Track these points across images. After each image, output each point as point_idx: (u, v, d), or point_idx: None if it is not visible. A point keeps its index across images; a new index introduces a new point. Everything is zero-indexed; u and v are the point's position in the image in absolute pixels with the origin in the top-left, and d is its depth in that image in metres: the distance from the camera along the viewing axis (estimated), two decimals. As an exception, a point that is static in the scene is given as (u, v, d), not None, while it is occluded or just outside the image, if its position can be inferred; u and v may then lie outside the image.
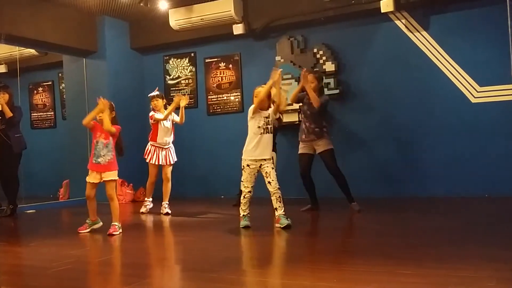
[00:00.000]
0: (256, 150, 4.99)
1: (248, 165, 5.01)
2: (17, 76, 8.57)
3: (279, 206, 4.92)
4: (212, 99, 8.40)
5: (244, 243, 4.59)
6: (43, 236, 5.29)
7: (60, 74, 9.67)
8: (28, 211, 7.31)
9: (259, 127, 5.00)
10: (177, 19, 7.77)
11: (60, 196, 8.63)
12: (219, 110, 8.33)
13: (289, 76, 7.40)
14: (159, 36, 8.44)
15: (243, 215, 5.04)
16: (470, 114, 6.63)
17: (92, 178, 5.03)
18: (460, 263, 3.25)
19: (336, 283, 2.95)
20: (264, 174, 5.00)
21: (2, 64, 8.99)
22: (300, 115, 6.44)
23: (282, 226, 4.82)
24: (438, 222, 5.01)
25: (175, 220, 6.00)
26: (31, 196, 8.19)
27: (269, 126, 5.04)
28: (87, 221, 5.17)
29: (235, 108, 8.20)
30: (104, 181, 5.01)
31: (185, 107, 6.51)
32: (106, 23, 8.34)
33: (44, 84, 10.17)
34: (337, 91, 7.18)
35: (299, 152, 6.06)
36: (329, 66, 7.23)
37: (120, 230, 5.02)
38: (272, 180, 4.93)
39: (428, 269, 3.10)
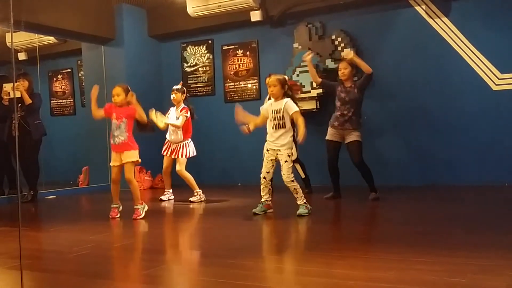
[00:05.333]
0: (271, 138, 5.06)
1: (267, 150, 5.07)
2: (37, 63, 8.66)
3: (296, 197, 4.96)
4: (230, 87, 8.40)
5: (261, 230, 4.61)
6: (63, 221, 5.38)
7: (79, 62, 9.75)
8: (48, 197, 7.42)
9: (270, 120, 5.02)
10: (194, 6, 7.75)
11: (80, 183, 8.73)
12: (237, 97, 8.32)
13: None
14: (177, 23, 8.44)
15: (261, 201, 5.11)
16: (491, 101, 6.53)
17: (113, 161, 5.11)
18: (478, 251, 3.23)
19: (352, 270, 2.95)
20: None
21: (22, 51, 9.08)
22: (335, 101, 6.06)
23: (296, 214, 4.86)
24: (456, 211, 4.97)
25: (193, 207, 6.04)
26: (51, 182, 8.31)
27: (280, 122, 4.94)
28: (114, 205, 5.22)
29: (252, 96, 8.19)
30: (123, 163, 5.06)
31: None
32: (124, 10, 8.36)
33: (64, 71, 10.26)
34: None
35: (327, 138, 6.00)
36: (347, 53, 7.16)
37: (145, 209, 5.15)
38: (283, 174, 4.92)
39: (446, 257, 3.08)
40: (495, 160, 6.49)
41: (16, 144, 6.48)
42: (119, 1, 8.28)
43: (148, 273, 3.10)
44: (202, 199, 6.34)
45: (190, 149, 6.42)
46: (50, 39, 8.88)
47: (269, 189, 5.10)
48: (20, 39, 8.75)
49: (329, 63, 7.25)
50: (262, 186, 5.08)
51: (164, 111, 6.70)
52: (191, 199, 6.32)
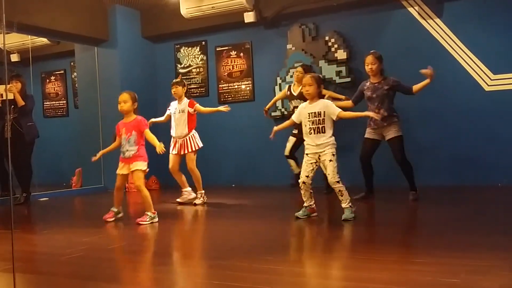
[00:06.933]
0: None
1: (307, 154, 4.74)
2: (30, 65, 8.62)
3: (341, 200, 4.62)
4: (223, 88, 8.39)
5: (256, 232, 4.59)
6: (56, 223, 5.35)
7: (72, 63, 9.71)
8: (41, 199, 7.38)
9: (305, 125, 4.71)
10: (188, 7, 7.74)
11: (73, 184, 8.70)
12: (230, 98, 8.31)
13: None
14: (170, 25, 8.43)
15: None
16: (483, 102, 6.56)
17: (121, 169, 5.04)
18: (472, 251, 3.24)
19: (347, 271, 2.95)
20: (322, 167, 4.70)
21: (15, 53, 9.04)
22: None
23: (342, 219, 4.56)
24: (450, 211, 4.98)
25: (187, 209, 6.02)
26: (44, 184, 8.27)
27: (320, 126, 4.58)
28: (113, 209, 5.13)
29: (246, 97, 8.18)
30: (131, 171, 4.99)
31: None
32: (117, 11, 8.34)
33: (56, 73, 10.22)
34: (348, 79, 7.14)
35: (365, 136, 5.79)
36: (341, 54, 7.18)
37: (155, 220, 4.96)
38: (328, 174, 4.58)
39: (440, 258, 3.09)
40: (488, 160, 6.52)
41: (8, 146, 6.43)
42: (113, 2, 8.25)
43: (142, 275, 3.09)
44: (205, 201, 6.25)
45: (196, 142, 6.25)
46: (43, 40, 8.84)
47: (310, 192, 4.79)
48: (13, 41, 8.71)
49: (323, 64, 7.26)
50: (302, 192, 4.77)
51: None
52: (196, 202, 6.19)
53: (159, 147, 4.95)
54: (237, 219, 5.02)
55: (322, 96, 4.78)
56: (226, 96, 8.36)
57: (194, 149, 6.20)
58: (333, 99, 5.76)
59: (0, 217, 6.13)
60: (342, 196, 4.59)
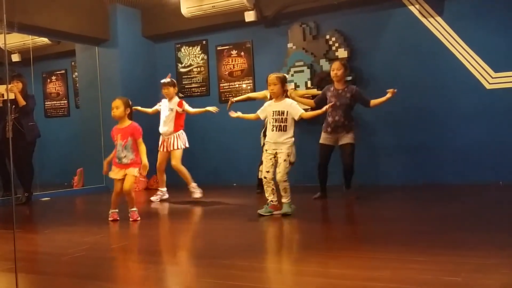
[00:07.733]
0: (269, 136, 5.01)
1: (266, 150, 5.00)
2: (31, 65, 8.62)
3: (283, 196, 4.89)
4: (224, 87, 8.39)
5: (256, 231, 4.60)
6: (58, 223, 5.36)
7: (73, 63, 9.72)
8: (42, 199, 7.39)
9: (270, 122, 4.96)
10: (188, 6, 7.73)
11: (74, 184, 8.70)
12: (231, 97, 8.30)
13: (301, 63, 7.36)
14: (171, 24, 8.43)
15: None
16: (485, 100, 6.55)
17: (115, 174, 5.03)
18: (473, 250, 3.24)
19: (348, 270, 2.95)
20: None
21: (16, 53, 9.04)
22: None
23: (281, 213, 4.85)
24: (451, 209, 4.99)
25: (188, 208, 6.03)
26: (45, 184, 8.28)
27: (281, 124, 4.87)
28: (113, 210, 5.13)
29: (247, 96, 8.18)
30: (126, 175, 5.00)
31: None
32: (118, 11, 8.34)
33: (57, 72, 10.23)
34: (349, 78, 7.10)
35: (321, 142, 5.95)
36: (342, 53, 7.17)
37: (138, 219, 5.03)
38: (279, 172, 4.86)
39: (441, 256, 3.09)
40: (489, 159, 6.51)
41: (10, 146, 6.44)
42: (113, 1, 8.26)
43: (143, 274, 3.09)
44: (198, 196, 6.36)
45: (182, 141, 6.38)
46: (44, 40, 8.85)
47: (272, 188, 4.93)
48: (14, 41, 8.71)
49: (323, 63, 7.26)
50: (265, 187, 4.98)
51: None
52: (194, 196, 6.35)
53: (144, 167, 4.94)
54: (238, 218, 5.02)
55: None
56: (227, 95, 8.34)
57: (178, 147, 6.33)
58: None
59: (2, 217, 6.15)
60: (285, 193, 4.87)
